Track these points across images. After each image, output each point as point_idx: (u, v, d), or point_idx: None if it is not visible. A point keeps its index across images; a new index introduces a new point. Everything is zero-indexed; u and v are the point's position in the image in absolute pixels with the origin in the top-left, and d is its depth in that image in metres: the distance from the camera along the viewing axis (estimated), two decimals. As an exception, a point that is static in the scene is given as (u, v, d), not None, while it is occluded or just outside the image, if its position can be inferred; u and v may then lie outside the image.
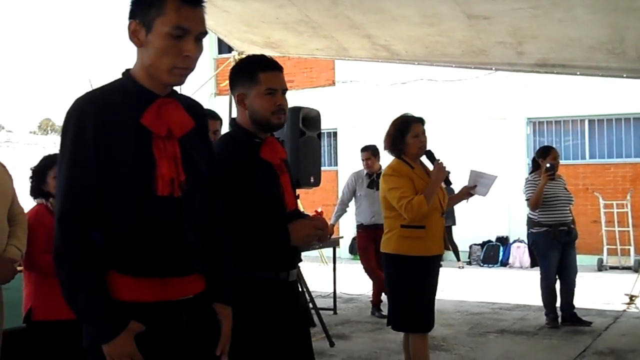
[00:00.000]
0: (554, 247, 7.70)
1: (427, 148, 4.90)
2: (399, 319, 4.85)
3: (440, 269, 13.78)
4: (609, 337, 7.25)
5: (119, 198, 2.19)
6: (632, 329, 7.68)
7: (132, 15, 2.25)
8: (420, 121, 4.87)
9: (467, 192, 5.14)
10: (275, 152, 3.18)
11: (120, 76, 2.32)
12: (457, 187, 5.54)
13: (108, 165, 2.15)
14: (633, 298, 8.94)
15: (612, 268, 13.34)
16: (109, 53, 66.79)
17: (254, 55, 3.35)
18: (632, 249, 13.93)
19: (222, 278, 2.50)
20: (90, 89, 2.33)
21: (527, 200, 7.82)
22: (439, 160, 4.84)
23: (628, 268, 13.31)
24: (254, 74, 3.08)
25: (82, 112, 2.17)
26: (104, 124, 2.15)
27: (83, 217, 2.14)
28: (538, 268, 13.92)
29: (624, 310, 8.69)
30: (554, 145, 14.84)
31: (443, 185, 4.88)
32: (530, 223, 7.89)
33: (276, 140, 3.29)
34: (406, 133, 4.79)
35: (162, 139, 2.23)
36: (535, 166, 7.95)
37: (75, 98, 2.23)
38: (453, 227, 14.54)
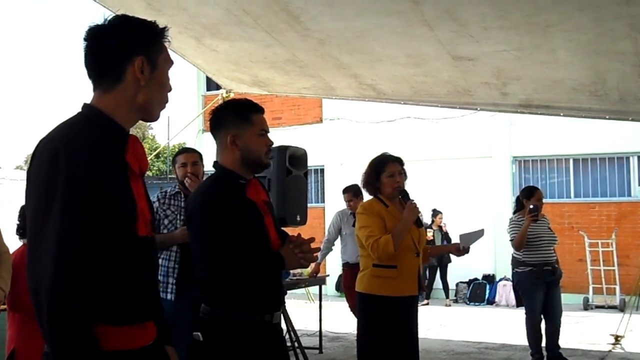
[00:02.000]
0: (539, 287, 7.71)
1: (404, 188, 4.85)
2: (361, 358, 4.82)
3: (427, 307, 13.91)
4: (594, 378, 7.26)
5: (106, 241, 2.02)
6: (617, 369, 7.69)
7: (136, 52, 2.19)
8: (397, 161, 4.87)
9: (457, 250, 5.11)
10: (258, 194, 3.26)
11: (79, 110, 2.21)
12: (451, 230, 5.61)
13: (96, 205, 1.98)
14: (618, 338, 8.94)
15: (597, 307, 13.38)
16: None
17: (241, 99, 3.40)
18: (617, 287, 13.96)
19: (163, 319, 2.40)
20: (58, 126, 2.12)
21: (511, 240, 7.86)
22: (412, 201, 4.79)
23: (614, 307, 13.31)
24: (248, 116, 3.19)
25: (73, 151, 1.98)
26: (94, 163, 2.00)
27: (84, 262, 1.94)
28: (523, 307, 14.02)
29: (610, 351, 8.69)
30: (539, 183, 15.08)
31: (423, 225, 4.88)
32: (515, 262, 7.93)
33: (258, 181, 3.36)
34: (381, 172, 4.81)
35: (135, 177, 2.17)
36: (520, 206, 7.99)
37: (49, 134, 2.08)
38: (448, 265, 14.59)
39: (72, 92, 65.74)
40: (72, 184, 1.95)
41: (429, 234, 13.66)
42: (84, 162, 1.98)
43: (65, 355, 1.94)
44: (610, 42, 6.57)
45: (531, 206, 7.61)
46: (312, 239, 3.24)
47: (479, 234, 5.13)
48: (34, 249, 1.94)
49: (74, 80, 68.19)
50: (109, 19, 2.22)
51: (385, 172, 4.80)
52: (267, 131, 3.24)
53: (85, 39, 2.21)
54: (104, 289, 2.02)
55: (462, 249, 5.00)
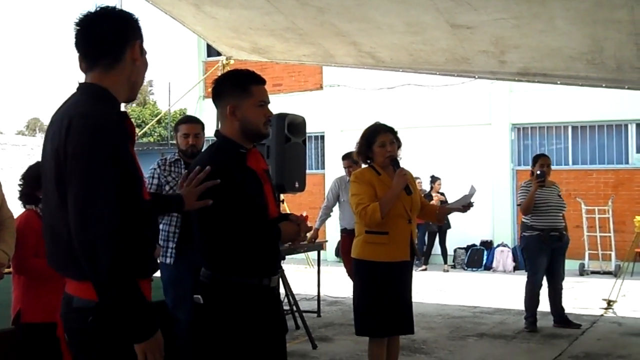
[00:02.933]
0: (544, 252, 7.84)
1: (395, 157, 4.85)
2: (359, 324, 4.92)
3: (425, 272, 13.99)
4: (585, 341, 7.36)
5: (133, 204, 2.31)
6: (608, 333, 7.80)
7: (133, 37, 2.48)
8: (389, 130, 4.89)
9: (460, 208, 5.12)
10: (258, 162, 3.31)
11: None
12: (445, 190, 5.65)
13: (127, 174, 2.29)
14: (611, 303, 9.06)
15: (593, 273, 13.51)
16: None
17: (241, 70, 3.44)
18: (613, 254, 14.06)
19: None
20: (79, 102, 2.39)
21: (519, 205, 7.99)
22: (401, 168, 4.79)
23: (609, 273, 13.45)
24: (247, 87, 3.23)
25: (108, 129, 2.29)
26: (122, 138, 2.34)
27: (130, 223, 2.24)
28: (520, 272, 14.13)
29: (602, 315, 8.81)
30: (537, 150, 15.12)
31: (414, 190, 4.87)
32: (523, 227, 8.07)
33: (258, 151, 3.42)
34: (373, 142, 4.84)
35: (132, 147, 2.47)
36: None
37: (77, 111, 2.31)
38: (448, 230, 14.72)
39: (68, 60, 65.50)
40: (115, 157, 2.25)
41: (435, 198, 13.74)
42: (117, 137, 2.29)
43: (123, 302, 2.21)
44: (608, 11, 6.59)
45: (538, 172, 7.76)
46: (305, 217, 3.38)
47: (471, 192, 5.10)
48: (84, 213, 2.19)
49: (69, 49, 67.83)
50: (99, 7, 2.43)
51: (376, 141, 4.83)
52: (267, 102, 3.28)
53: (79, 24, 2.42)
54: (135, 246, 2.27)
55: (465, 207, 5.03)
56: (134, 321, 2.26)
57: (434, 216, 5.36)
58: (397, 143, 4.92)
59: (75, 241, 2.21)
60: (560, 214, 7.95)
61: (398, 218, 4.72)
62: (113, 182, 2.23)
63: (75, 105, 2.37)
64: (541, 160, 7.92)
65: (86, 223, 2.19)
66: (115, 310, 2.23)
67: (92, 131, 2.24)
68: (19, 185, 4.33)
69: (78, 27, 2.41)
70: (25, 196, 4.30)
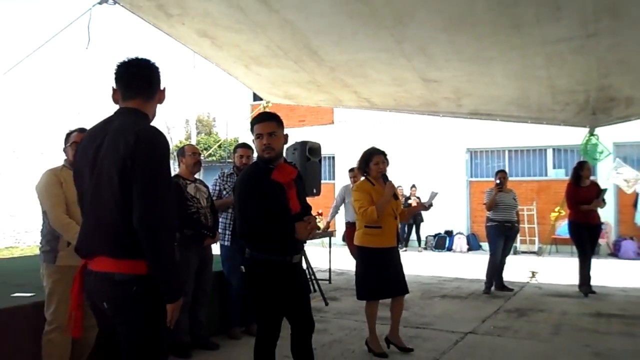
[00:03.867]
0: (500, 237, 7.83)
1: (385, 172, 4.84)
2: (359, 291, 4.89)
3: (405, 253, 13.91)
4: (516, 300, 7.34)
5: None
6: (532, 294, 7.76)
7: (161, 82, 2.47)
8: (381, 153, 4.86)
9: (423, 207, 5.11)
10: (284, 174, 3.30)
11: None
12: (420, 194, 5.70)
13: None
14: (534, 273, 9.01)
15: (523, 252, 13.45)
16: (95, 89, 66.58)
17: (259, 113, 3.51)
18: (536, 239, 14.03)
19: None
20: (138, 120, 2.35)
21: (484, 204, 7.98)
22: (390, 181, 4.81)
23: (533, 252, 13.40)
24: (252, 126, 3.32)
25: (163, 144, 2.29)
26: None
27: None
28: (472, 252, 14.06)
29: (527, 282, 8.76)
30: (484, 167, 15.11)
31: (399, 196, 4.92)
32: (487, 220, 8.01)
33: (289, 164, 3.43)
34: (370, 161, 4.83)
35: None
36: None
37: (141, 127, 2.29)
38: (421, 223, 14.79)
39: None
40: (167, 163, 2.27)
41: (411, 200, 13.77)
42: (168, 149, 2.32)
43: (171, 271, 2.24)
44: (532, 71, 6.62)
45: (497, 181, 7.83)
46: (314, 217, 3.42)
47: (433, 194, 5.11)
48: (151, 203, 2.17)
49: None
50: (143, 57, 2.43)
51: (372, 160, 4.82)
52: (262, 134, 3.24)
53: (132, 64, 2.39)
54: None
55: (427, 206, 5.04)
56: (174, 286, 2.27)
57: (404, 217, 5.30)
58: (387, 162, 4.93)
59: (139, 225, 2.16)
60: (514, 211, 7.93)
61: (388, 216, 4.73)
62: (169, 183, 2.27)
63: (134, 123, 2.29)
64: (500, 174, 7.95)
65: (152, 213, 2.16)
66: (165, 277, 2.21)
67: (154, 145, 2.23)
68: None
69: (133, 67, 2.39)
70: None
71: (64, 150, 3.73)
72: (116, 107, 2.45)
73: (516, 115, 8.31)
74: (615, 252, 13.17)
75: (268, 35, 6.11)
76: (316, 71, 7.40)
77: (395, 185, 5.00)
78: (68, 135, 3.74)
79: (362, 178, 4.97)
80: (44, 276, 3.58)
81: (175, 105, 62.68)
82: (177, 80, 71.66)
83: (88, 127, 2.61)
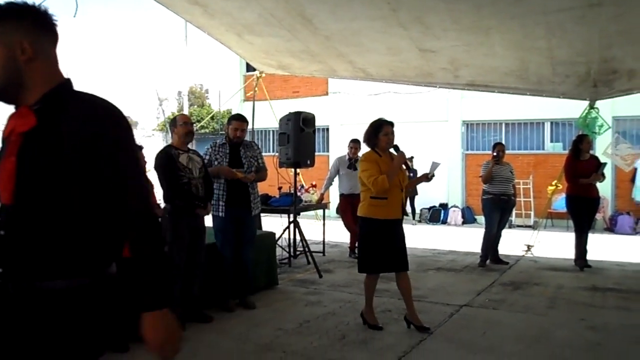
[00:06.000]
0: (495, 210, 7.84)
1: (395, 143, 4.81)
2: (361, 263, 4.85)
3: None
4: (511, 273, 7.38)
5: None
6: (527, 268, 7.81)
7: None
8: (391, 124, 4.81)
9: (426, 178, 5.08)
10: None
11: None
12: (419, 169, 5.66)
13: None
14: (529, 247, 9.06)
15: (518, 226, 13.49)
16: (171, 66, 65.91)
17: None
18: (532, 213, 14.09)
19: None
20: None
21: (480, 177, 7.97)
22: (402, 151, 4.78)
23: (529, 226, 13.47)
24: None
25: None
26: None
27: None
28: (467, 225, 14.14)
29: (523, 256, 8.82)
30: (481, 140, 15.10)
31: (404, 168, 4.82)
32: (483, 192, 8.00)
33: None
34: (379, 132, 4.75)
35: None
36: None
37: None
38: (416, 196, 14.79)
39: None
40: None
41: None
42: None
43: (161, 245, 1.62)
44: (532, 41, 6.54)
45: (494, 154, 7.80)
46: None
47: (435, 164, 5.11)
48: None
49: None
50: None
51: (382, 131, 4.74)
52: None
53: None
54: None
55: (429, 177, 5.02)
56: (163, 282, 1.60)
57: (408, 189, 5.31)
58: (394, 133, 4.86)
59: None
60: (510, 184, 7.93)
61: (395, 188, 4.68)
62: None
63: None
64: (498, 147, 7.92)
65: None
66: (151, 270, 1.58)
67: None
68: None
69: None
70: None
71: None
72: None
73: (514, 87, 8.24)
74: (611, 227, 13.25)
75: (260, 3, 5.99)
76: (310, 40, 7.29)
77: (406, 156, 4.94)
78: None
79: (369, 149, 4.88)
80: None
81: (167, 77, 62.24)
82: (169, 51, 71.02)
83: None
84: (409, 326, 4.79)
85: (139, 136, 19.37)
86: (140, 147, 4.40)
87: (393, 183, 4.62)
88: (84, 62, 62.93)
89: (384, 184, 4.52)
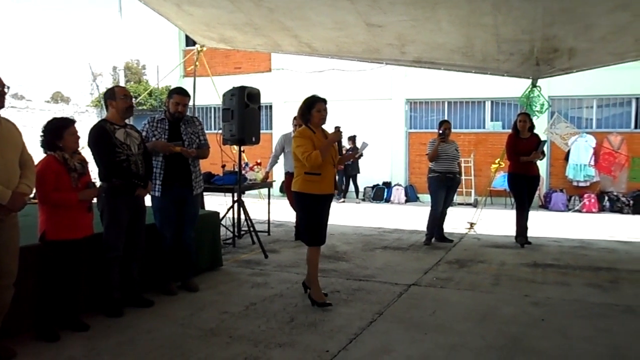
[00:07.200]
0: (441, 188, 7.82)
1: (337, 125, 4.86)
2: (302, 237, 4.94)
3: (343, 203, 13.98)
4: (456, 251, 7.43)
5: None
6: (471, 246, 7.89)
7: None
8: (323, 101, 4.82)
9: (354, 156, 5.17)
10: None
11: None
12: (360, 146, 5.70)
13: None
14: (472, 225, 9.19)
15: (459, 204, 13.69)
16: (106, 40, 63.32)
17: None
18: (472, 191, 14.36)
19: None
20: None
21: (427, 155, 7.92)
22: (339, 127, 4.84)
23: (469, 204, 13.74)
24: None
25: None
26: None
27: None
28: (410, 204, 14.29)
29: (466, 233, 8.92)
30: (423, 119, 15.24)
31: (335, 145, 4.84)
32: (429, 171, 7.95)
33: None
34: (312, 108, 4.77)
35: None
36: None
37: None
38: (358, 175, 14.76)
39: (82, 43, 62.26)
40: None
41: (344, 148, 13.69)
42: None
43: None
44: (478, 17, 6.53)
45: (440, 131, 7.75)
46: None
47: (364, 145, 5.62)
48: None
49: (84, 33, 64.40)
50: None
51: (314, 107, 4.77)
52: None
53: None
54: None
55: (357, 156, 5.16)
56: None
57: (340, 163, 5.30)
58: (326, 110, 4.86)
59: None
60: (455, 162, 7.92)
61: (327, 164, 4.72)
62: None
63: None
64: (444, 125, 7.87)
65: None
66: None
67: None
68: (41, 136, 4.00)
69: None
70: (48, 144, 3.98)
71: None
72: None
73: (460, 64, 8.24)
74: (545, 204, 13.68)
75: (202, -30, 5.70)
76: (253, 12, 7.04)
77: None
78: None
79: (302, 126, 4.85)
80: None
81: (101, 52, 59.83)
82: (102, 24, 68.32)
83: None
84: (305, 291, 4.95)
85: (72, 112, 18.51)
86: (73, 121, 4.08)
87: (327, 160, 4.68)
88: (12, 35, 59.61)
89: (317, 159, 4.57)
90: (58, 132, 3.98)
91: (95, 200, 4.28)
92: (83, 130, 4.21)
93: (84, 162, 4.11)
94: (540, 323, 4.36)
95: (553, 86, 12.56)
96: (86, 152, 4.33)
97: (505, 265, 6.57)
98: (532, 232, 8.12)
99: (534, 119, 8.10)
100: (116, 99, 4.58)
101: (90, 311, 4.36)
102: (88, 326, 4.09)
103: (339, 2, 6.38)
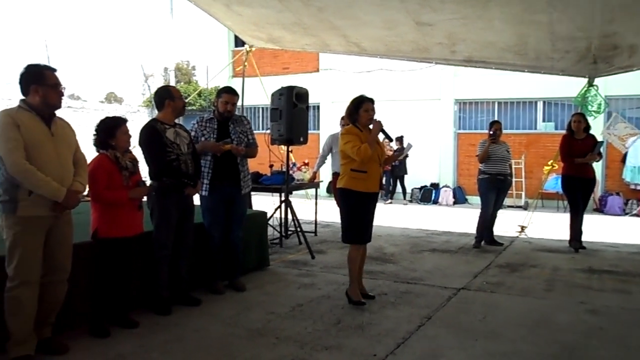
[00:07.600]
0: (492, 190, 7.65)
1: (382, 126, 4.79)
2: (344, 235, 4.90)
3: (391, 205, 13.89)
4: (506, 255, 7.23)
5: None
6: (522, 249, 7.67)
7: None
8: (371, 100, 4.82)
9: (399, 156, 5.13)
10: None
11: None
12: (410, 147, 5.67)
13: None
14: (523, 228, 8.93)
15: (509, 206, 13.33)
16: (157, 42, 64.93)
17: None
18: (523, 193, 13.99)
19: None
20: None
21: (477, 156, 7.76)
22: (377, 119, 4.79)
23: (520, 207, 13.38)
24: None
25: None
26: None
27: None
28: (458, 205, 14.05)
29: (517, 237, 8.68)
30: (472, 120, 14.98)
31: (382, 137, 4.83)
32: (479, 172, 7.81)
33: None
34: (359, 108, 4.77)
35: None
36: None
37: None
38: (405, 176, 14.63)
39: (130, 46, 63.85)
40: None
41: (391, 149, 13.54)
42: None
43: None
44: (531, 15, 6.34)
45: (491, 132, 7.62)
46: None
47: (409, 146, 5.71)
48: None
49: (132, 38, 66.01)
50: None
51: (362, 107, 4.77)
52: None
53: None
54: None
55: (403, 156, 5.13)
56: None
57: (386, 163, 5.31)
58: (374, 110, 4.85)
59: None
60: (506, 164, 7.73)
61: (373, 162, 4.72)
62: None
63: None
64: (495, 125, 7.70)
65: None
66: None
67: None
68: (94, 135, 4.07)
69: None
70: (101, 143, 4.05)
71: (29, 89, 3.37)
72: None
73: (512, 63, 8.01)
74: (600, 208, 13.18)
75: (251, -30, 5.72)
76: (302, 12, 7.02)
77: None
78: (36, 74, 3.39)
79: (350, 125, 4.87)
80: (3, 228, 3.31)
81: (153, 53, 61.27)
82: (154, 26, 69.95)
83: None
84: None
85: (124, 112, 19.01)
86: (125, 120, 4.13)
87: (372, 158, 4.67)
88: (68, 37, 61.71)
89: (367, 152, 4.58)
90: (111, 131, 4.04)
91: (145, 198, 4.34)
92: (134, 129, 4.27)
93: (134, 161, 4.16)
94: (598, 332, 4.17)
95: (610, 85, 12.07)
96: (137, 151, 4.39)
97: (559, 270, 6.33)
98: (586, 237, 7.82)
99: (590, 120, 7.80)
100: (174, 99, 4.65)
101: (140, 308, 4.42)
102: (137, 323, 4.14)
103: (388, 1, 6.29)
